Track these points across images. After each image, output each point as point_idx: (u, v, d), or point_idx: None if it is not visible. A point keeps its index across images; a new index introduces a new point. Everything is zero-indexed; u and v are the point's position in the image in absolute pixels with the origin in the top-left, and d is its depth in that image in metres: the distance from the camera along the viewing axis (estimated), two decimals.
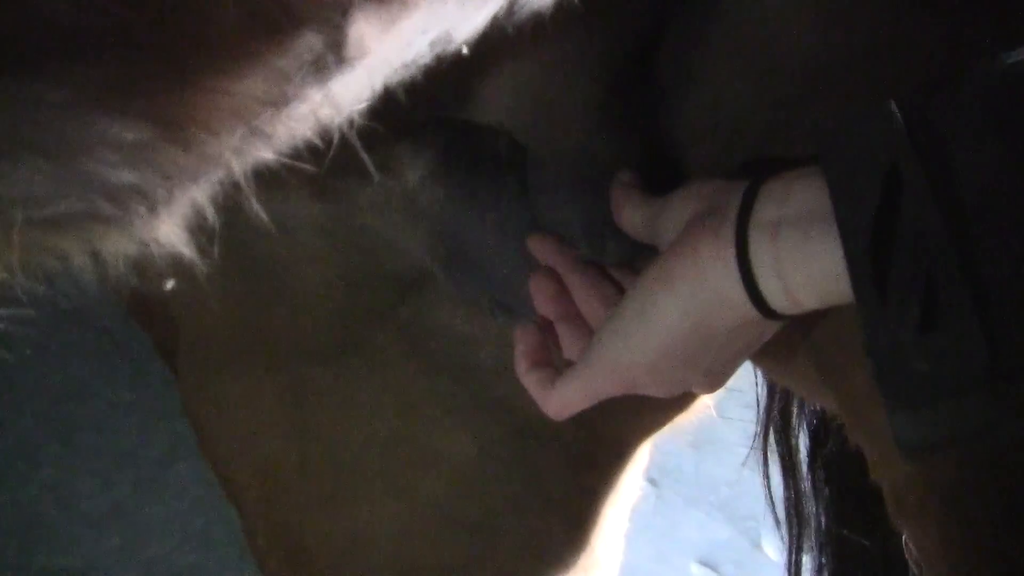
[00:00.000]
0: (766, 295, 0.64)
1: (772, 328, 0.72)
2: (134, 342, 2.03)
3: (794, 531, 1.20)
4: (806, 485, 1.19)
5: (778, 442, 1.21)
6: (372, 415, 1.01)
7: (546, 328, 0.84)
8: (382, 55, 0.45)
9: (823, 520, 1.17)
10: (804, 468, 1.19)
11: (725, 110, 0.82)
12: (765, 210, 0.63)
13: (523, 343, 0.83)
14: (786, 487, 1.21)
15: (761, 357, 0.90)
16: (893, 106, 0.56)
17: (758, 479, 2.11)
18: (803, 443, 1.19)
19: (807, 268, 0.61)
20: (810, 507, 1.18)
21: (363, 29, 0.40)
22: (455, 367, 1.00)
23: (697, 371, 0.73)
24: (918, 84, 0.72)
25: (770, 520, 2.16)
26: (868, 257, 0.55)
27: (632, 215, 0.79)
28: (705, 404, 1.11)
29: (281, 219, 0.93)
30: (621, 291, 0.82)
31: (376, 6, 0.38)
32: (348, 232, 0.93)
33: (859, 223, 0.56)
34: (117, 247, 0.52)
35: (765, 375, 1.14)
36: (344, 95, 0.47)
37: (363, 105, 0.50)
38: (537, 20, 0.57)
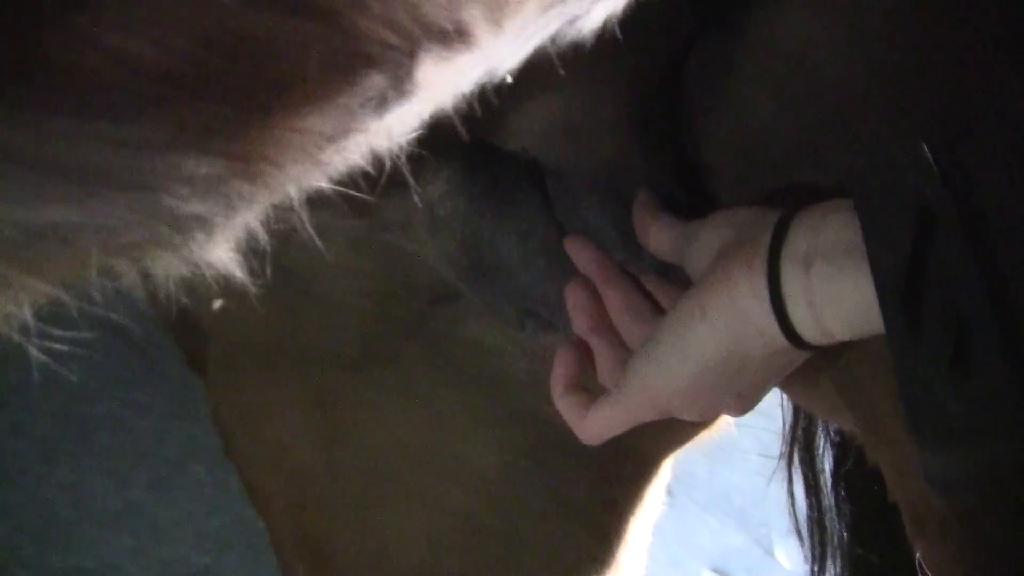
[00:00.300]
0: (797, 326, 0.65)
1: (804, 356, 0.73)
2: (150, 342, 2.04)
3: (816, 548, 1.20)
4: (829, 502, 1.19)
5: (802, 460, 1.21)
6: (400, 425, 1.02)
7: (581, 344, 0.85)
8: (438, 88, 0.45)
9: (844, 537, 1.17)
10: (827, 486, 1.19)
11: (750, 128, 0.83)
12: (797, 243, 0.64)
13: (562, 366, 0.84)
14: (809, 505, 1.21)
15: (784, 383, 0.91)
16: (924, 147, 0.57)
17: (771, 487, 2.11)
18: (827, 461, 1.19)
19: (839, 301, 0.62)
20: (832, 524, 1.18)
21: (427, 68, 0.41)
22: (482, 379, 1.01)
23: (729, 396, 0.74)
24: (946, 117, 0.72)
25: (783, 528, 2.16)
26: (900, 298, 0.56)
27: (659, 237, 0.81)
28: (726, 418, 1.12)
29: (315, 228, 0.94)
30: (654, 303, 0.84)
31: (440, 47, 0.39)
32: (379, 245, 0.94)
33: (892, 264, 0.57)
34: (169, 268, 0.53)
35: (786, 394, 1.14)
36: (398, 125, 0.48)
37: (414, 134, 0.51)
38: (576, 49, 0.58)
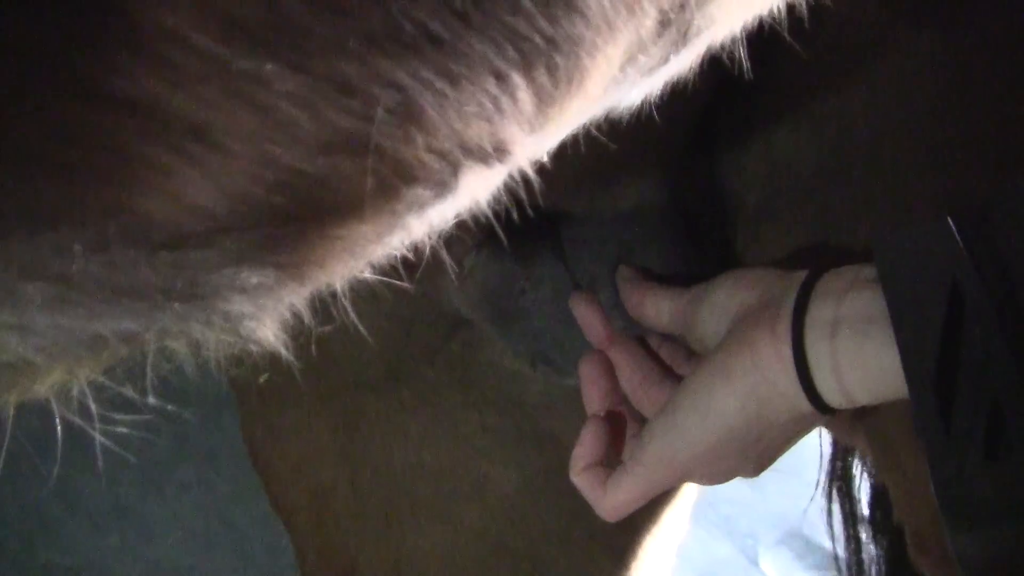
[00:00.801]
0: (822, 392, 0.64)
1: (823, 419, 0.71)
2: None
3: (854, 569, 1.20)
4: (867, 536, 1.19)
5: (839, 491, 1.21)
6: (421, 445, 1.03)
7: (607, 420, 0.83)
8: (477, 188, 0.46)
9: (882, 568, 1.17)
10: (865, 518, 1.19)
11: (775, 157, 0.83)
12: (822, 308, 0.64)
13: (585, 445, 0.81)
14: (846, 537, 1.21)
15: None
16: (951, 221, 0.56)
17: (758, 497, 2.13)
18: (865, 492, 1.19)
19: (864, 369, 0.62)
20: (869, 555, 1.18)
21: (475, 183, 0.41)
22: (502, 401, 1.02)
23: (747, 459, 0.73)
24: (970, 157, 0.72)
25: (769, 538, 2.18)
26: (932, 383, 0.55)
27: (658, 307, 0.80)
28: None
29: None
30: (663, 365, 0.83)
31: (482, 164, 0.40)
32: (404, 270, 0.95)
33: (921, 347, 0.56)
34: (219, 343, 0.54)
35: None
36: (439, 218, 0.48)
37: (453, 222, 0.52)
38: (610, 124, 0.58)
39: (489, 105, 0.37)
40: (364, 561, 1.06)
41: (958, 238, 0.56)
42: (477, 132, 0.38)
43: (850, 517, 1.21)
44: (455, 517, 1.04)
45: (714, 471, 0.74)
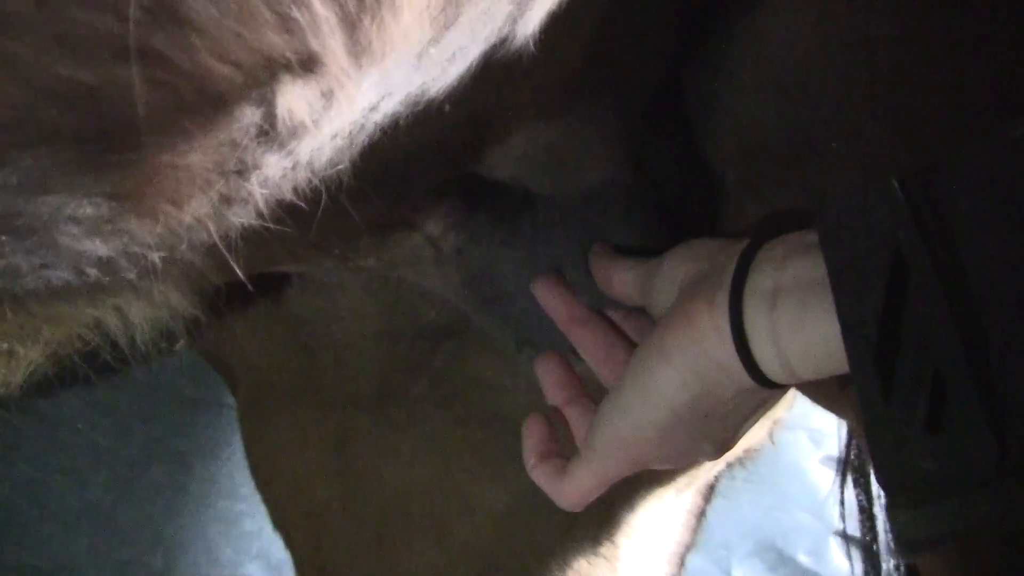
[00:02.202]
0: (762, 365, 0.62)
1: (779, 394, 0.69)
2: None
3: (869, 573, 1.20)
4: (883, 527, 1.17)
5: (855, 482, 1.20)
6: (411, 463, 1.03)
7: (554, 414, 0.82)
8: (342, 119, 0.45)
9: (899, 564, 1.16)
10: (881, 509, 1.17)
11: (747, 129, 0.81)
12: (762, 277, 0.61)
13: (530, 437, 0.81)
14: (861, 528, 1.20)
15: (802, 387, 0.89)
16: (895, 183, 0.54)
17: (732, 508, 2.14)
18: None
19: (804, 340, 0.59)
20: (886, 553, 1.17)
21: (296, 102, 0.41)
22: (487, 416, 1.02)
23: (702, 440, 0.70)
24: (931, 119, 0.71)
25: (742, 550, 2.19)
26: (873, 354, 0.53)
27: (623, 279, 0.77)
28: (762, 437, 1.13)
29: (324, 278, 0.96)
30: (628, 342, 0.81)
31: (295, 78, 0.39)
32: (387, 288, 0.96)
33: (863, 317, 0.54)
34: (140, 312, 0.54)
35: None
36: (317, 159, 0.47)
37: (342, 166, 0.51)
38: (525, 62, 0.57)
39: (277, 14, 0.36)
40: None
41: (903, 200, 0.53)
42: (276, 43, 0.37)
43: (867, 509, 1.20)
44: (447, 536, 1.04)
45: (669, 453, 0.71)
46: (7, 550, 1.92)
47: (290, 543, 1.12)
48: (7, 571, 1.91)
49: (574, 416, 0.80)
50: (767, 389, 0.65)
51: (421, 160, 0.66)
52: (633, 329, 0.82)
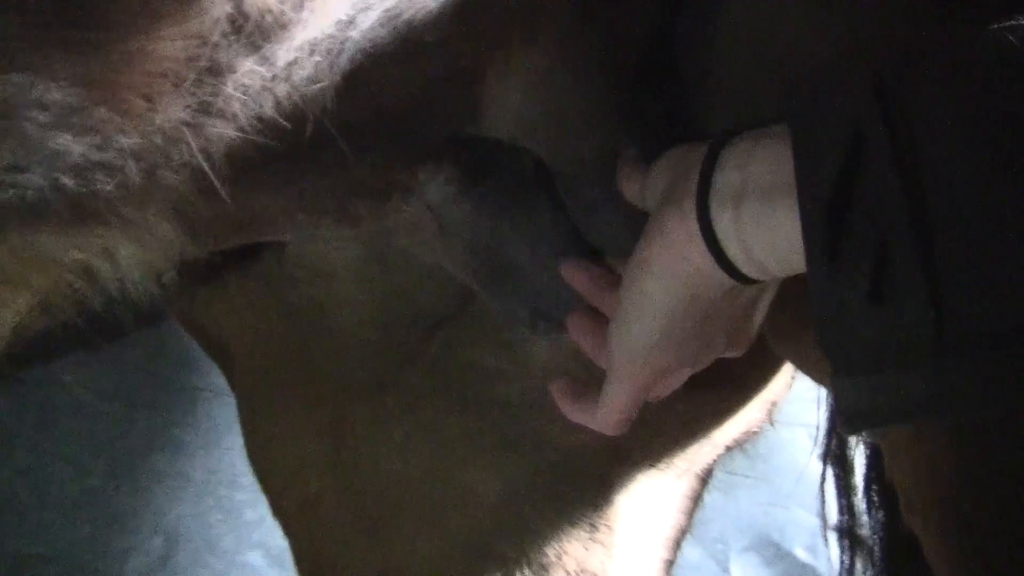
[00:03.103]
0: (738, 265, 0.63)
1: (771, 283, 0.70)
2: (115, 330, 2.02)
3: (847, 555, 1.19)
4: (861, 508, 1.17)
5: (835, 463, 1.20)
6: (407, 452, 1.03)
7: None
8: (315, 27, 0.45)
9: (877, 545, 1.15)
10: (860, 490, 1.17)
11: (741, 105, 0.80)
12: (726, 178, 0.62)
13: (559, 392, 0.83)
14: (840, 509, 1.20)
15: (774, 340, 0.88)
16: (865, 73, 0.54)
17: (729, 502, 2.14)
18: (859, 464, 1.17)
19: (770, 237, 0.60)
20: (864, 530, 1.16)
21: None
22: (483, 403, 1.02)
23: (714, 337, 0.72)
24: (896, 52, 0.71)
25: (739, 544, 2.20)
26: (823, 220, 0.54)
27: (632, 186, 0.77)
28: (759, 418, 1.13)
29: (319, 265, 0.96)
30: None
31: None
32: (383, 276, 0.95)
33: (817, 186, 0.54)
34: (130, 255, 0.53)
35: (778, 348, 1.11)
36: (296, 73, 0.47)
37: (324, 85, 0.51)
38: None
39: None
40: (353, 570, 1.06)
41: (868, 83, 0.53)
42: None
43: (845, 490, 1.19)
44: (442, 525, 1.04)
45: (684, 356, 0.73)
46: (7, 537, 1.92)
47: (288, 533, 1.13)
48: (7, 558, 1.91)
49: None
50: (753, 284, 0.66)
51: (414, 111, 0.66)
52: None
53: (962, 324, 0.49)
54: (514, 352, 0.99)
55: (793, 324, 0.77)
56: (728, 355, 0.76)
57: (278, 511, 1.11)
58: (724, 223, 0.61)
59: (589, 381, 0.82)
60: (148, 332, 2.02)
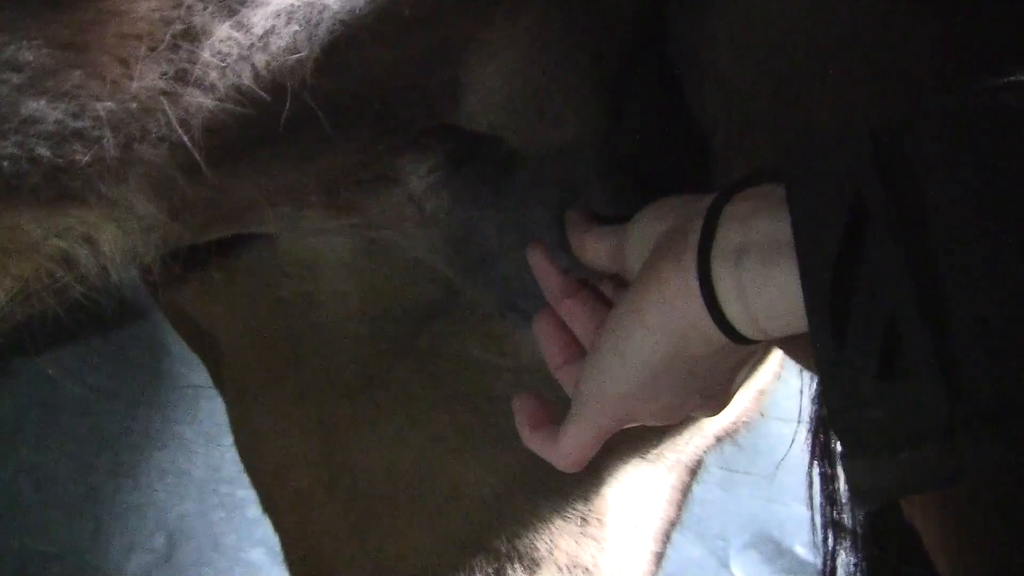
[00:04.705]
0: (735, 324, 0.61)
1: (759, 347, 0.69)
2: (119, 329, 2.03)
3: (829, 542, 1.19)
4: (844, 498, 1.17)
5: (821, 454, 1.19)
6: (397, 447, 1.03)
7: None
8: None
9: (859, 535, 1.15)
10: (843, 477, 1.16)
11: (732, 92, 0.80)
12: (728, 235, 0.61)
13: (521, 411, 0.81)
14: (823, 496, 1.19)
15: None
16: (865, 133, 0.53)
17: (730, 499, 2.14)
18: (841, 451, 1.17)
19: (770, 298, 0.58)
20: (848, 519, 1.16)
21: None
22: (473, 397, 1.02)
23: (690, 395, 0.70)
24: (907, 75, 0.69)
25: (739, 541, 2.19)
26: (826, 298, 0.53)
27: (595, 247, 0.76)
28: (750, 408, 1.13)
29: (306, 259, 0.96)
30: None
31: None
32: (371, 269, 0.96)
33: (820, 261, 0.53)
34: (113, 239, 0.53)
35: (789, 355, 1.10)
36: (274, 42, 0.47)
37: (302, 56, 0.50)
38: None
39: None
40: (344, 565, 1.06)
41: (870, 149, 0.52)
42: None
43: (830, 479, 1.19)
44: (434, 519, 1.04)
45: (656, 410, 0.71)
46: (10, 534, 1.93)
47: (278, 529, 1.13)
48: (10, 555, 1.92)
49: (571, 376, 0.78)
50: (744, 346, 0.64)
51: (396, 92, 0.66)
52: None
53: (975, 400, 0.48)
54: (504, 345, 0.99)
55: None
56: (699, 415, 0.75)
57: (268, 506, 1.11)
58: (724, 280, 0.60)
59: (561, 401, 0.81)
60: (150, 330, 2.03)
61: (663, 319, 0.64)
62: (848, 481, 0.56)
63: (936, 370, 0.49)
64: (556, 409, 0.80)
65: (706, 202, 0.63)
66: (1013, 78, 0.50)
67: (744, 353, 0.68)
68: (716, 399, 0.72)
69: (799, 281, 0.55)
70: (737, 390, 0.74)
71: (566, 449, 0.76)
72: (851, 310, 0.52)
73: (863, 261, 0.52)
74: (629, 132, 0.82)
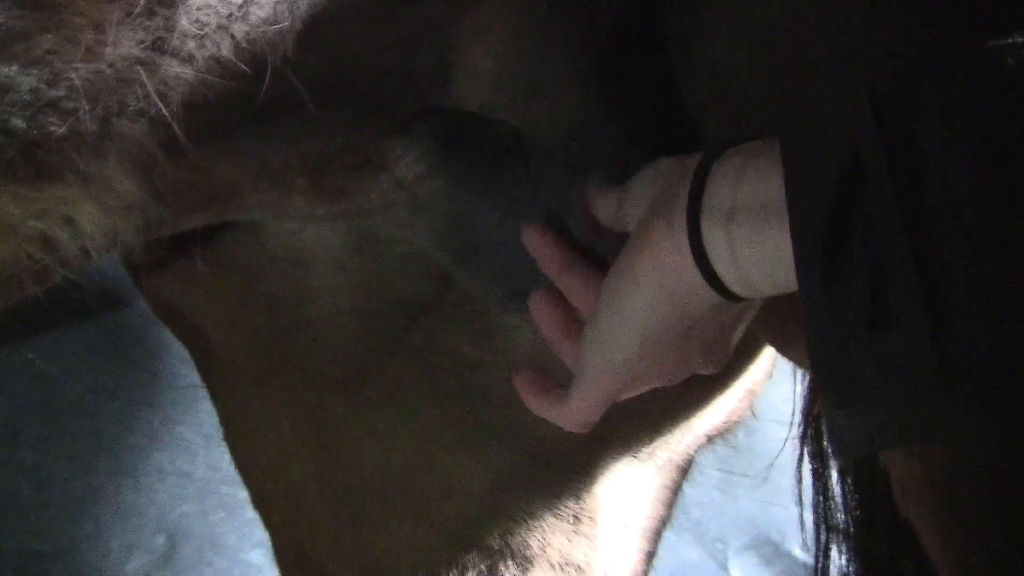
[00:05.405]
0: (726, 281, 0.62)
1: (754, 303, 0.70)
2: (120, 328, 2.03)
3: (822, 539, 1.18)
4: (835, 492, 1.16)
5: (812, 452, 1.19)
6: (389, 443, 1.03)
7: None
8: None
9: (852, 531, 1.15)
10: (834, 475, 1.16)
11: (725, 81, 0.79)
12: (718, 194, 0.61)
13: (523, 383, 0.83)
14: (815, 492, 1.19)
15: (767, 335, 0.88)
16: (864, 91, 0.52)
17: (728, 501, 2.14)
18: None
19: (761, 255, 0.59)
20: (840, 516, 1.16)
21: None
22: (465, 392, 1.02)
23: (691, 353, 0.71)
24: (896, 66, 0.66)
25: (738, 544, 2.19)
26: (818, 250, 0.53)
27: (605, 205, 0.77)
28: (740, 407, 1.13)
29: (296, 254, 0.95)
30: None
31: None
32: (361, 264, 0.95)
33: (812, 213, 0.53)
34: (93, 218, 0.52)
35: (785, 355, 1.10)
36: (254, 12, 0.47)
37: (282, 27, 0.50)
38: None
39: None
40: (335, 563, 1.06)
41: (867, 104, 0.52)
42: None
43: (821, 476, 1.18)
44: (427, 516, 1.04)
45: (659, 371, 0.72)
46: (10, 535, 1.93)
47: (269, 527, 1.13)
48: (9, 556, 1.92)
49: (569, 352, 0.80)
50: (738, 303, 0.65)
51: (383, 74, 0.65)
52: None
53: (965, 356, 0.48)
54: (495, 341, 0.99)
55: (778, 308, 0.76)
56: (702, 372, 0.75)
57: (259, 504, 1.11)
58: (714, 239, 0.61)
59: (563, 378, 0.81)
60: (149, 329, 2.03)
61: (657, 279, 0.65)
62: (829, 434, 0.56)
63: (927, 324, 0.48)
64: (557, 378, 0.81)
65: (695, 160, 0.64)
66: (1012, 39, 0.50)
67: (739, 309, 0.69)
68: (716, 357, 0.73)
69: (788, 240, 0.55)
70: (735, 345, 0.74)
71: (573, 411, 0.77)
72: (842, 261, 0.52)
73: (856, 214, 0.52)
74: (626, 109, 0.81)
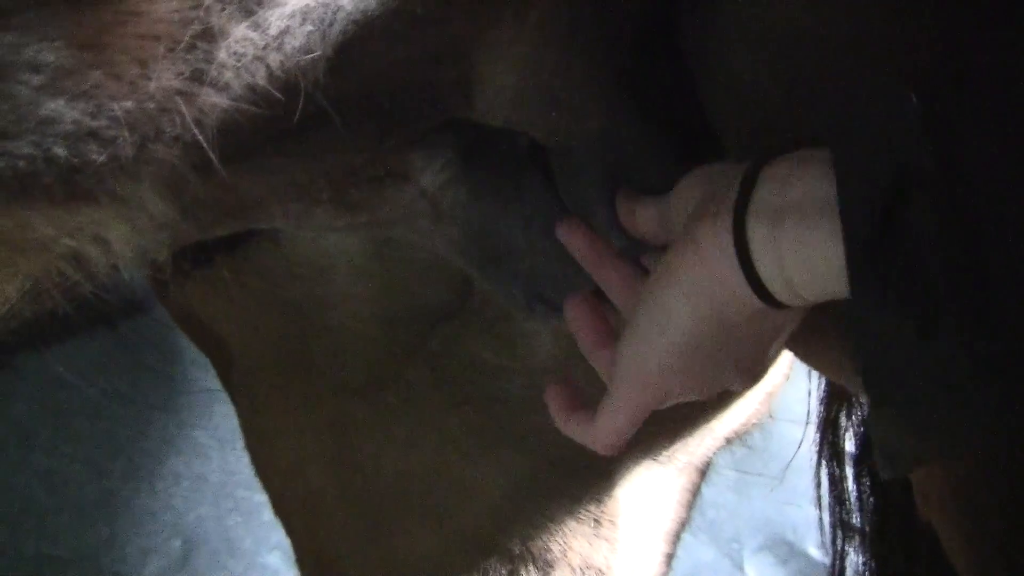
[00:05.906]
0: (769, 286, 0.61)
1: (793, 315, 0.68)
2: (135, 332, 2.04)
3: (839, 541, 1.18)
4: (852, 497, 1.16)
5: (829, 456, 1.19)
6: (408, 449, 1.03)
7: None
8: None
9: (867, 534, 1.15)
10: (851, 478, 1.16)
11: (744, 91, 0.78)
12: (765, 196, 0.60)
13: (554, 399, 0.81)
14: (832, 497, 1.19)
15: (792, 342, 0.87)
16: (910, 97, 0.53)
17: (744, 502, 2.14)
18: (849, 451, 1.16)
19: (808, 260, 0.58)
20: (856, 518, 1.16)
21: None
22: (484, 399, 1.02)
23: (726, 366, 0.69)
24: (931, 66, 0.66)
25: (753, 544, 2.19)
26: (870, 254, 0.53)
27: (644, 217, 0.76)
28: (759, 410, 1.13)
29: (317, 260, 0.96)
30: None
31: None
32: (382, 271, 0.95)
33: (864, 217, 0.53)
34: (125, 237, 0.53)
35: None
36: (288, 42, 0.48)
37: (315, 56, 0.50)
38: None
39: None
40: (355, 567, 1.06)
41: (916, 112, 0.52)
42: None
43: (838, 480, 1.18)
44: (445, 521, 1.04)
45: (693, 382, 0.70)
46: (26, 540, 1.94)
47: (289, 530, 1.13)
48: (26, 560, 1.93)
49: (605, 360, 0.77)
50: (779, 311, 0.64)
51: (407, 91, 0.65)
52: None
53: (1015, 364, 0.48)
54: (515, 347, 0.99)
55: (812, 330, 0.76)
56: (734, 388, 0.74)
57: (279, 509, 1.12)
58: (760, 240, 0.60)
59: (588, 384, 0.80)
60: (164, 334, 2.04)
61: (699, 282, 0.64)
62: (876, 443, 0.55)
63: (975, 331, 0.49)
64: (588, 395, 0.79)
65: (743, 166, 0.63)
66: None
67: (778, 320, 0.68)
68: (750, 371, 0.72)
69: (837, 243, 0.54)
70: (771, 363, 0.73)
71: (603, 431, 0.75)
72: (892, 270, 0.52)
73: (908, 220, 0.51)
74: (647, 125, 0.81)
